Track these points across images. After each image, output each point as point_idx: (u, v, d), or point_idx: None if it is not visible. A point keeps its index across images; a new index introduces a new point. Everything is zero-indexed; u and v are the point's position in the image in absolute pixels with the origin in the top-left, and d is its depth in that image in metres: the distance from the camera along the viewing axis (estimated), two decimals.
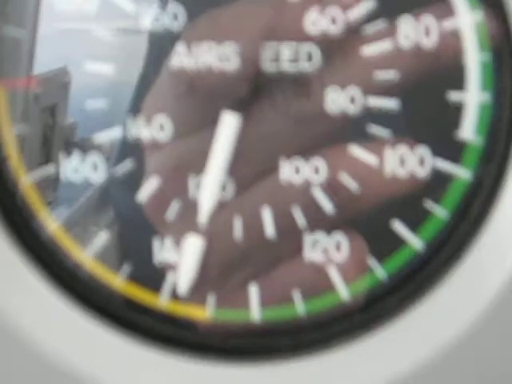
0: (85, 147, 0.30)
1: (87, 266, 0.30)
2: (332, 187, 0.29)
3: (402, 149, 0.29)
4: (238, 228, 0.30)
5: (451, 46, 0.28)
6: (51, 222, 0.31)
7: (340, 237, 0.30)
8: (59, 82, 0.30)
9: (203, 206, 0.29)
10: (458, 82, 0.29)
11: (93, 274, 0.30)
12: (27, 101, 0.30)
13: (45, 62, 0.30)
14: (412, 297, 0.29)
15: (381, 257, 0.30)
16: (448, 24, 0.28)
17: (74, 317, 0.29)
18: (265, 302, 0.30)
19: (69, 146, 0.30)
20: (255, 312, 0.30)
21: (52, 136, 0.31)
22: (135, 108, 0.29)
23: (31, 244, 0.30)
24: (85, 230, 0.30)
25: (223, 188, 0.29)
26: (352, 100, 0.29)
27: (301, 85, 0.29)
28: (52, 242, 0.30)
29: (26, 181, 0.30)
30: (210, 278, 0.30)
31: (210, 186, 0.29)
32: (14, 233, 0.30)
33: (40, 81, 0.30)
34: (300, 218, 0.29)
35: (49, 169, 0.30)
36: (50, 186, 0.30)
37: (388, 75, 0.28)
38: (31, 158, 0.30)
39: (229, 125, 0.29)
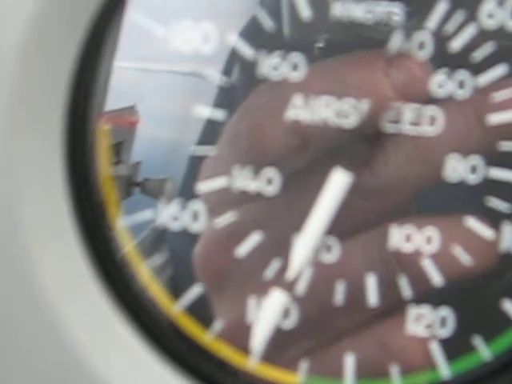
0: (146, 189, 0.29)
1: (175, 319, 0.29)
2: (443, 259, 0.27)
3: None
4: (339, 292, 0.28)
5: None
6: (144, 270, 0.29)
7: (446, 312, 0.28)
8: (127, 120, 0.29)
9: (293, 262, 0.27)
10: None
11: (180, 327, 0.29)
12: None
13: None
14: None
15: (487, 336, 0.28)
16: None
17: (160, 371, 0.28)
18: (360, 374, 0.28)
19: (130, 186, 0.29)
20: (349, 383, 0.29)
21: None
22: (243, 159, 0.28)
23: (122, 292, 0.28)
24: (177, 281, 0.29)
25: (328, 249, 0.28)
26: (473, 170, 0.27)
27: (420, 149, 0.27)
28: (142, 291, 0.29)
29: (121, 225, 0.29)
30: (305, 342, 0.28)
31: (305, 243, 0.27)
32: (108, 282, 0.28)
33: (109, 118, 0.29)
34: (406, 289, 0.28)
35: (145, 214, 0.29)
36: (145, 232, 0.29)
37: None
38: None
39: (338, 183, 0.27)
